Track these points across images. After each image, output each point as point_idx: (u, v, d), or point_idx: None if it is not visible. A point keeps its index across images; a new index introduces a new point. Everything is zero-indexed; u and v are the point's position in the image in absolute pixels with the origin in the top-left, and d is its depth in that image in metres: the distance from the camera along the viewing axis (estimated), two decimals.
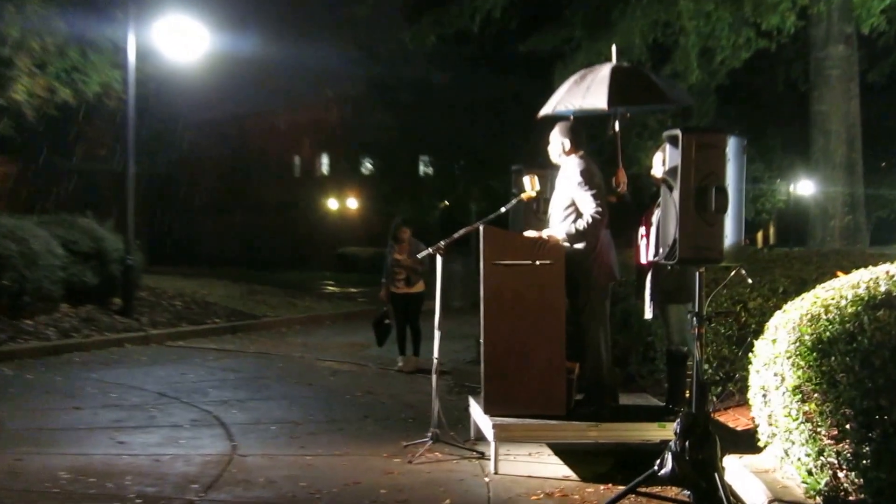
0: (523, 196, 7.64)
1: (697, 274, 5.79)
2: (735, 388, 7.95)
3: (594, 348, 7.36)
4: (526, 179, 7.59)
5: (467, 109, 33.48)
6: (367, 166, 43.91)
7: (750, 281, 6.64)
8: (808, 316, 5.60)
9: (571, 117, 7.74)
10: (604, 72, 7.58)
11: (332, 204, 48.35)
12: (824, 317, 5.47)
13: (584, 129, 7.58)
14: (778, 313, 6.14)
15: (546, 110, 7.87)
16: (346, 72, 38.83)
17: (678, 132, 5.57)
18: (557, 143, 7.54)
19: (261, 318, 17.66)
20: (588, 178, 7.21)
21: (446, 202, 38.30)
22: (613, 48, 7.97)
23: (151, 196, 36.97)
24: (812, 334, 5.40)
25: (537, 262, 7.10)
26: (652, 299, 7.26)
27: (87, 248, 15.44)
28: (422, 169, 40.78)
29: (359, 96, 38.02)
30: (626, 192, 7.61)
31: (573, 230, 7.16)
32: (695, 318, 5.76)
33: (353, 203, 47.57)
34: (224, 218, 47.87)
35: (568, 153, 7.48)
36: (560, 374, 7.12)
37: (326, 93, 47.20)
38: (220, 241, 46.84)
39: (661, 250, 5.82)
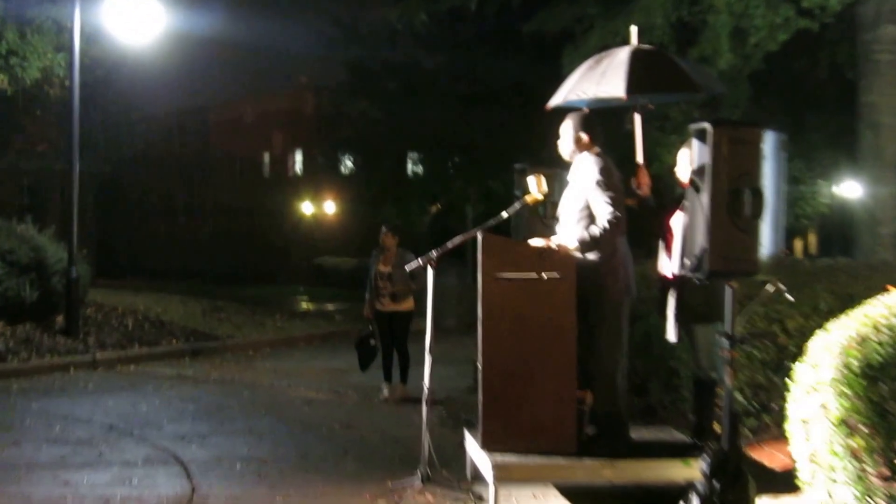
0: (527, 199, 7.64)
1: (728, 289, 5.80)
2: (771, 421, 7.96)
3: (609, 375, 7.33)
4: (531, 179, 7.60)
5: (463, 99, 33.52)
6: (348, 164, 43.99)
7: (789, 297, 6.65)
8: (856, 337, 5.61)
9: (586, 108, 7.76)
10: (622, 55, 7.62)
11: (307, 208, 48.43)
12: (874, 338, 5.49)
13: (600, 121, 7.61)
14: (820, 334, 6.15)
15: (556, 100, 7.90)
16: (323, 56, 38.93)
17: (707, 126, 5.60)
18: (570, 138, 7.54)
19: (224, 339, 17.68)
20: (607, 178, 7.22)
21: (438, 205, 38.32)
22: (633, 28, 8.00)
23: (100, 199, 37.05)
24: (860, 358, 5.40)
25: (544, 276, 7.09)
26: (676, 318, 7.27)
27: (26, 259, 15.45)
28: (410, 167, 40.82)
29: (338, 84, 37.99)
30: (648, 195, 7.62)
31: (586, 237, 7.16)
32: (725, 340, 5.77)
33: (330, 207, 47.66)
34: (183, 224, 47.98)
35: (582, 149, 7.48)
36: (569, 404, 7.11)
37: (300, 80, 47.32)
38: (178, 251, 46.90)
39: (686, 261, 5.83)
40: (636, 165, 7.72)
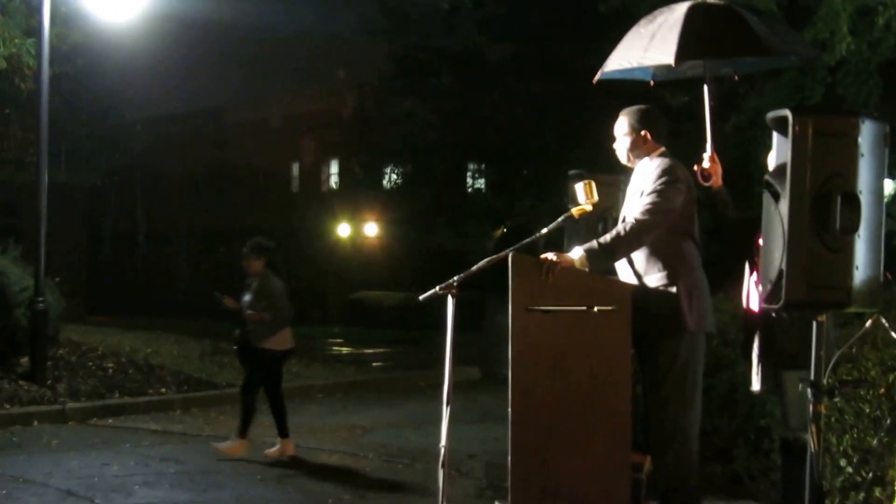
0: (574, 211, 7.37)
1: (816, 324, 5.50)
2: (884, 495, 7.63)
3: (680, 434, 7.06)
4: (579, 187, 7.33)
5: (534, 97, 33.26)
6: (393, 178, 43.69)
7: (895, 334, 6.35)
8: None
9: (651, 81, 7.61)
10: (678, 12, 7.43)
11: (344, 230, 48.30)
12: None
13: (663, 113, 7.43)
14: None
15: (603, 73, 7.80)
16: (364, 46, 38.76)
17: (787, 113, 5.31)
18: (628, 137, 7.36)
19: (224, 387, 17.47)
20: (667, 179, 7.00)
21: (504, 229, 38.01)
22: None
23: (90, 218, 37.27)
24: None
25: (595, 309, 6.86)
26: (762, 363, 6.96)
27: None
28: (470, 181, 40.60)
29: (382, 80, 37.85)
30: (721, 188, 7.34)
31: (595, 246, 6.93)
32: (810, 390, 5.48)
33: (372, 229, 47.53)
34: (192, 249, 48.02)
35: (644, 152, 7.31)
36: (622, 471, 6.88)
37: (338, 76, 47.37)
38: (185, 282, 46.99)
39: (761, 288, 5.55)
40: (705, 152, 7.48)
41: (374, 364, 23.80)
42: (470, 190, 39.96)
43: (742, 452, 9.03)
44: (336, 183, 50.20)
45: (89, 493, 9.98)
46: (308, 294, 45.53)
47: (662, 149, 7.28)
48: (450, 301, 7.40)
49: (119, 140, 29.78)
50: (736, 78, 8.06)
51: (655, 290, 7.04)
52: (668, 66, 7.91)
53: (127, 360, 17.95)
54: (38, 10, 15.20)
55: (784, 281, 5.27)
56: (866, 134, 5.30)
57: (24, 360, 15.57)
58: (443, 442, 7.37)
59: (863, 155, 5.28)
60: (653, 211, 6.95)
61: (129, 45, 21.32)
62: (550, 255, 6.91)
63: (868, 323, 5.96)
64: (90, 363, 17.06)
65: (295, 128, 48.66)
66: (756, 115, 18.04)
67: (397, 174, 41.80)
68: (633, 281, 7.17)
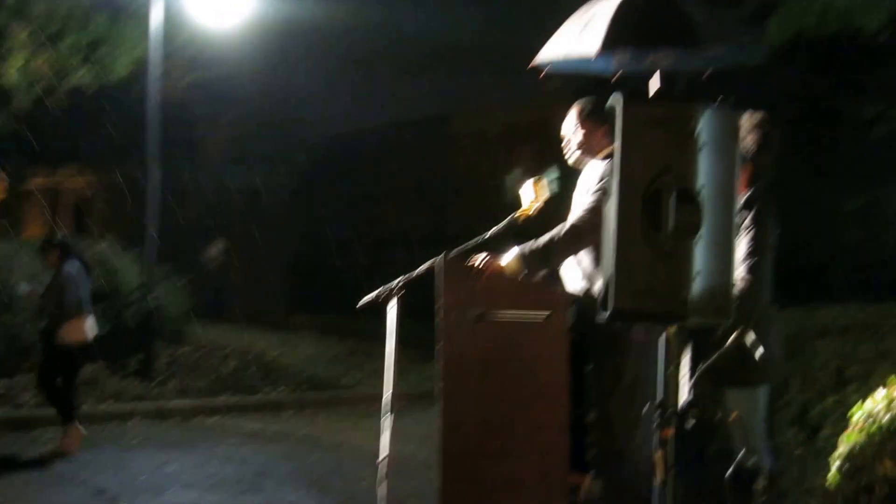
0: (517, 214, 6.87)
1: (662, 340, 4.83)
2: None
3: (628, 455, 6.53)
4: (525, 187, 6.86)
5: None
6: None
7: (760, 351, 5.59)
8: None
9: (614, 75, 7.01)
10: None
11: None
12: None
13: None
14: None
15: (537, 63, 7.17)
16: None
17: (617, 99, 4.66)
18: (581, 130, 7.01)
19: (346, 388, 17.16)
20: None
21: None
22: None
23: (306, 223, 37.64)
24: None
25: (530, 316, 6.34)
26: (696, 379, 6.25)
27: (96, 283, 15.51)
28: None
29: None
30: None
31: (527, 251, 6.48)
32: (657, 414, 4.83)
33: None
34: (408, 255, 48.13)
35: (599, 148, 6.84)
36: (559, 493, 6.36)
37: (553, 85, 46.87)
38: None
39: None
40: None
41: None
42: None
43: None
44: (552, 193, 49.85)
45: (120, 492, 9.84)
46: None
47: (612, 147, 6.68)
48: (393, 305, 6.93)
49: (324, 146, 29.82)
50: (704, 77, 7.30)
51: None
52: (632, 58, 7.28)
53: (252, 358, 17.61)
54: (170, 15, 15.15)
55: (611, 288, 4.61)
56: (708, 125, 4.57)
57: (138, 357, 15.56)
58: (384, 453, 6.96)
59: (702, 148, 4.56)
60: (594, 212, 6.37)
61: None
62: (482, 257, 6.40)
63: (731, 338, 5.26)
64: (211, 361, 16.90)
65: (511, 138, 48.44)
66: None
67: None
68: (582, 286, 6.60)
